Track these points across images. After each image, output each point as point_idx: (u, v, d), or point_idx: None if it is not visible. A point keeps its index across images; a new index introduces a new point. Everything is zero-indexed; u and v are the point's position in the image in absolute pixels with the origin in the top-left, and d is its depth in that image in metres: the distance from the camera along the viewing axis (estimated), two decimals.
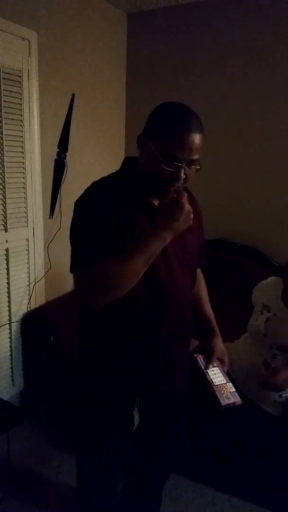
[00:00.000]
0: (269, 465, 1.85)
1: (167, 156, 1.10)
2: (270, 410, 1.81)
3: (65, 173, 2.51)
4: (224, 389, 1.38)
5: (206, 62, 2.76)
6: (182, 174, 1.13)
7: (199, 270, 1.52)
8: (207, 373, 1.41)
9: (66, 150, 2.49)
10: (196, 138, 1.09)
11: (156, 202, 1.22)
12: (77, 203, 1.22)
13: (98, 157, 2.87)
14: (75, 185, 2.30)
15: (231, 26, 2.63)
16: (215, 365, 1.45)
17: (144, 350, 1.28)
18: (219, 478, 2.03)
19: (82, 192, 1.23)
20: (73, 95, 2.46)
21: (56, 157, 2.48)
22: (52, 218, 2.54)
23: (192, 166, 1.14)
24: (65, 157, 2.49)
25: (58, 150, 2.48)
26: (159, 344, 1.29)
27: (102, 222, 1.14)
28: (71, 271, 1.20)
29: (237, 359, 1.91)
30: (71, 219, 1.23)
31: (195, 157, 1.12)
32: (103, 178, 1.26)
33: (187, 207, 1.14)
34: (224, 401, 1.35)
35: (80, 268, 1.18)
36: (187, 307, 1.34)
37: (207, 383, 1.39)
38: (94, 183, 1.24)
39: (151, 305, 1.22)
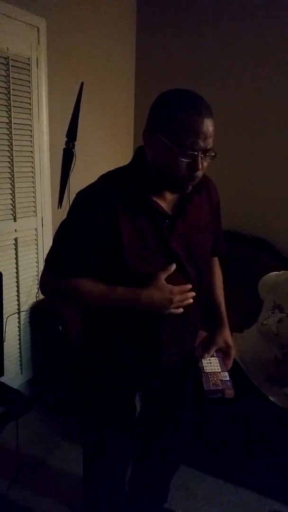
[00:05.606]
0: (277, 456, 1.85)
1: (182, 147, 1.04)
2: (279, 402, 1.80)
3: (73, 162, 2.48)
4: (214, 376, 1.31)
5: (218, 49, 2.71)
6: (200, 163, 1.07)
7: (215, 259, 1.48)
8: (200, 360, 1.36)
9: (75, 139, 2.46)
10: (209, 123, 1.03)
11: (161, 202, 1.16)
12: (77, 198, 1.16)
13: (107, 146, 2.85)
14: (84, 175, 2.28)
15: (244, 11, 2.57)
16: (215, 355, 1.38)
17: (145, 347, 1.27)
18: (227, 469, 2.03)
19: (89, 182, 1.19)
20: (82, 83, 2.43)
21: (65, 146, 2.46)
22: (60, 208, 2.53)
23: (207, 154, 1.08)
24: (73, 146, 2.47)
25: (66, 139, 2.45)
26: (161, 339, 1.26)
27: (94, 233, 1.11)
28: (44, 265, 1.22)
29: (247, 351, 1.89)
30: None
31: (210, 144, 1.06)
32: (109, 174, 1.20)
33: (179, 307, 1.17)
34: (208, 387, 1.27)
35: (52, 272, 1.19)
36: (189, 306, 1.25)
37: (198, 370, 1.34)
38: (99, 179, 1.19)
39: None
